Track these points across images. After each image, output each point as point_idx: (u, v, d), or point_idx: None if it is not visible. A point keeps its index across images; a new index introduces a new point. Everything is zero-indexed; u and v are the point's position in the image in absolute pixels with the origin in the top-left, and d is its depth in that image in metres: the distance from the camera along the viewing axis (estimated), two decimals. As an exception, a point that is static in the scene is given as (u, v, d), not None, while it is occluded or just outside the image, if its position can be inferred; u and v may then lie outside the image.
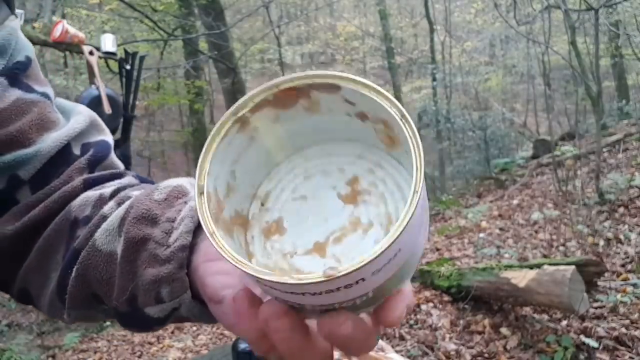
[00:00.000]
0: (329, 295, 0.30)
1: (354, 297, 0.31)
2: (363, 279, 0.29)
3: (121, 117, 2.42)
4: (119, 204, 0.48)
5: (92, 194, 0.50)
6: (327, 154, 0.39)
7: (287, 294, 0.31)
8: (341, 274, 0.28)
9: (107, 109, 2.27)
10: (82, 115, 0.57)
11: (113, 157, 0.57)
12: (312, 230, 0.38)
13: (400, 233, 0.28)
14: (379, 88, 0.32)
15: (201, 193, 0.35)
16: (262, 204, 0.40)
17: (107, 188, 0.51)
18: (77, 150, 0.54)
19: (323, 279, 0.28)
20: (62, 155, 0.53)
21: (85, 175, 0.52)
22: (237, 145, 0.37)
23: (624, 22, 7.70)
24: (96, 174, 0.53)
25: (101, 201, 0.49)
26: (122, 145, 2.45)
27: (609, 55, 9.11)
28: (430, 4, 10.84)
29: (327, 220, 0.38)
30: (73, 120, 0.56)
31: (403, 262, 0.31)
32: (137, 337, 4.15)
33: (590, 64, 5.75)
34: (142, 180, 0.55)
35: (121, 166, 0.58)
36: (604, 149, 5.77)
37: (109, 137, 0.58)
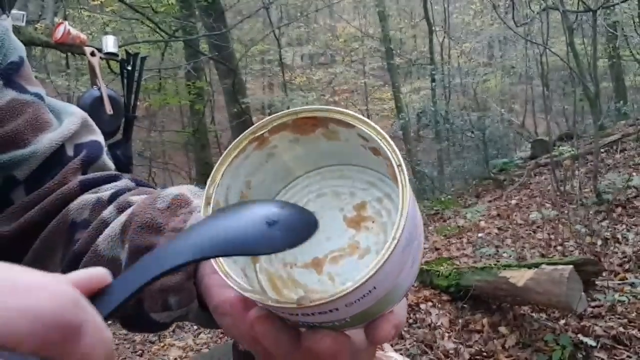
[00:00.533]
0: (306, 317, 0.32)
1: (332, 320, 0.33)
2: (337, 309, 0.31)
3: (122, 118, 2.43)
4: (119, 209, 0.48)
5: (89, 197, 0.50)
6: (342, 176, 0.42)
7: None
8: (312, 304, 0.31)
9: (108, 109, 2.28)
10: (74, 116, 0.56)
11: (105, 157, 0.57)
12: (314, 246, 0.39)
13: (370, 277, 0.30)
14: (384, 134, 0.34)
15: (208, 203, 0.36)
16: None
17: (105, 192, 0.51)
18: (70, 151, 0.54)
19: (295, 306, 0.31)
20: (57, 156, 0.52)
21: (81, 177, 0.52)
22: (254, 161, 0.38)
23: (621, 23, 7.71)
24: (91, 175, 0.53)
25: (100, 205, 0.49)
26: (123, 146, 2.46)
27: (607, 56, 9.13)
28: (429, 6, 10.85)
29: (329, 239, 0.40)
30: (67, 121, 0.55)
31: (383, 295, 0.32)
32: (138, 336, 4.16)
33: (588, 65, 5.77)
34: (139, 184, 0.55)
35: (112, 167, 0.58)
36: (602, 150, 5.79)
37: (100, 137, 0.58)
